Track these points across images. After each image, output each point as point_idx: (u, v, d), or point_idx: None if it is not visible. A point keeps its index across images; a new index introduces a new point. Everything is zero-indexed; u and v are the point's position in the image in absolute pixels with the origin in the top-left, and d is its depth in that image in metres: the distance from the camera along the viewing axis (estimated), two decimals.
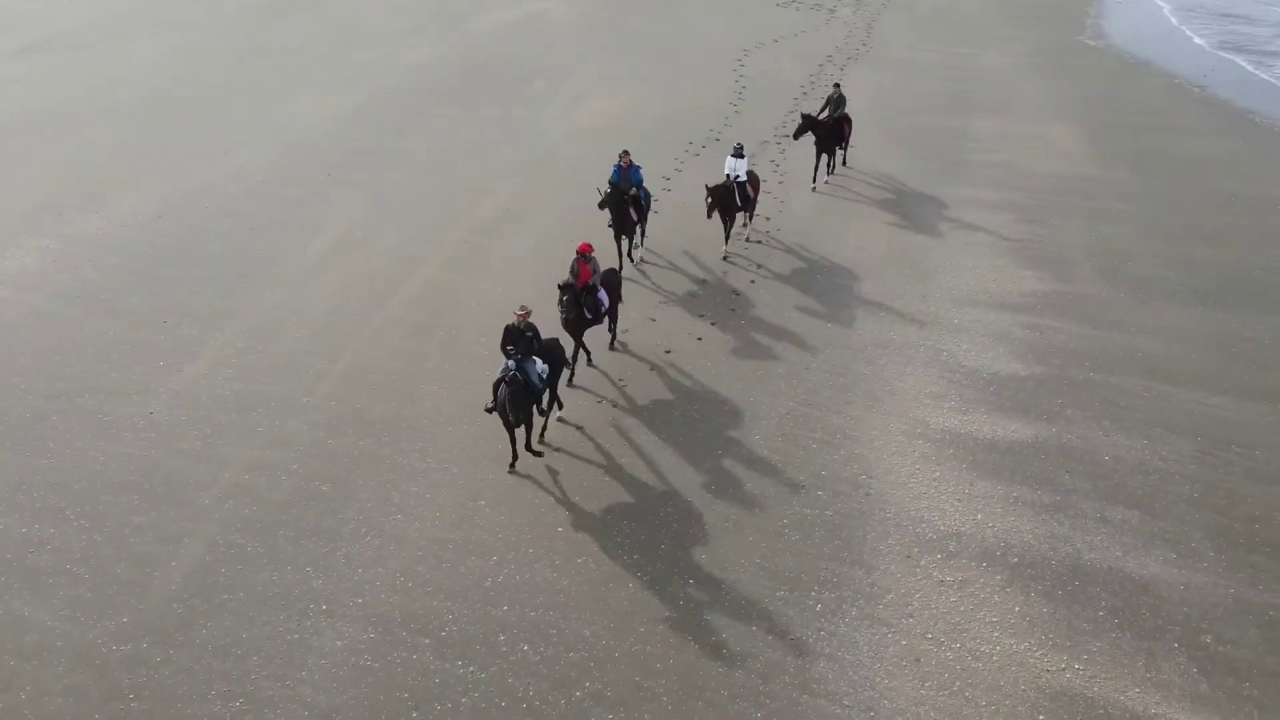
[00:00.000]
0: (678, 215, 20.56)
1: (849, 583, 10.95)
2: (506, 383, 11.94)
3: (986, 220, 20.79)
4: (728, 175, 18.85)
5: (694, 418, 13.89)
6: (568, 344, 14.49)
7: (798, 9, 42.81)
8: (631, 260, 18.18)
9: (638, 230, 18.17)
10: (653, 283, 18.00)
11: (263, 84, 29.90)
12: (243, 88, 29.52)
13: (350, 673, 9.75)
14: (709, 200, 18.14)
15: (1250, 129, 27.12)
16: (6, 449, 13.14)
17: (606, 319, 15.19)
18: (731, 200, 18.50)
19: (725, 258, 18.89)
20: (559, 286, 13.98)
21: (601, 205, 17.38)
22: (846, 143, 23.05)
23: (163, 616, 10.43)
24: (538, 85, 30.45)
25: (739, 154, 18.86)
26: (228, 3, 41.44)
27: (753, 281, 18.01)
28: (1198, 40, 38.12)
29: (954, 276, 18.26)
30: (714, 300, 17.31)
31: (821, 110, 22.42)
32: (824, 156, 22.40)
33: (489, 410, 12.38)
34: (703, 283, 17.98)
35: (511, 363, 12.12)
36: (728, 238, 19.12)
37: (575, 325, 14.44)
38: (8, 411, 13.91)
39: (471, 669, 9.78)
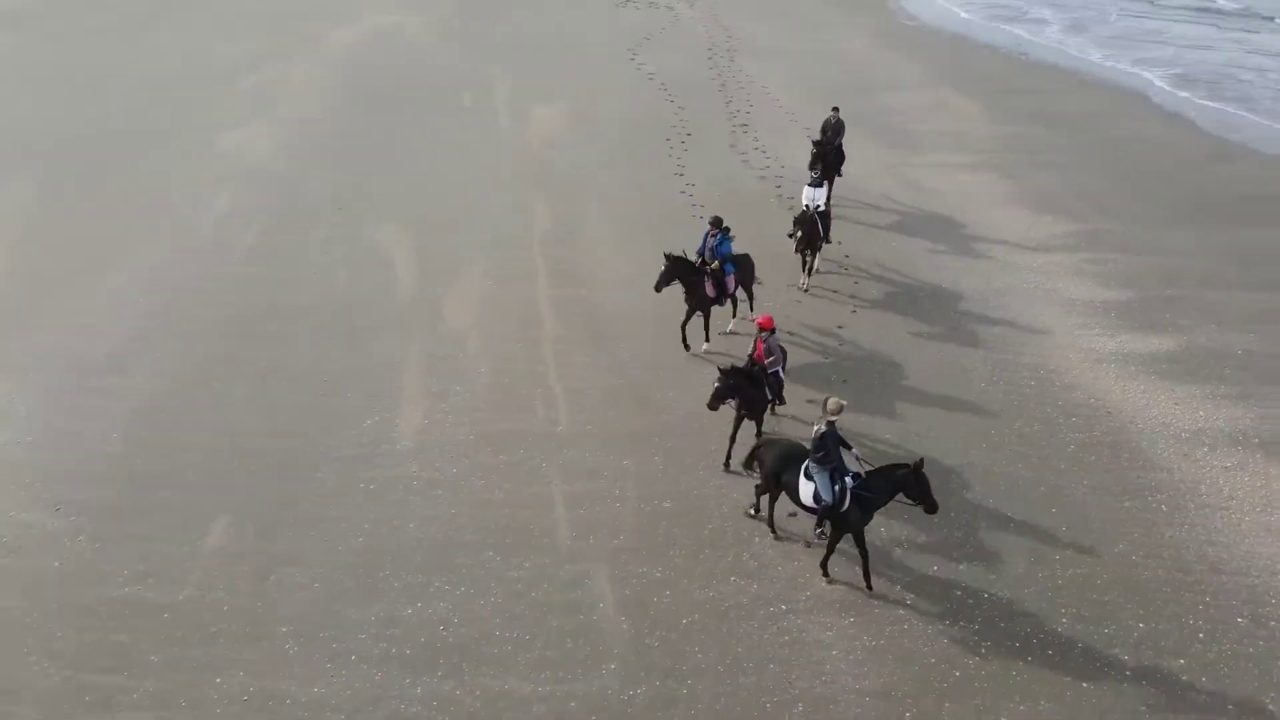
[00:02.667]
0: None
1: (1159, 485, 12.81)
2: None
3: (975, 181, 23.46)
4: (807, 205, 18.26)
5: (929, 432, 13.86)
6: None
7: (637, 8, 44.29)
8: (706, 338, 15.93)
9: (723, 304, 16.20)
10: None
11: (166, 127, 26.68)
12: (151, 136, 26.14)
13: None
14: (797, 233, 17.61)
15: (1088, 85, 32.42)
16: (313, 538, 11.73)
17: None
18: (815, 231, 17.84)
19: (806, 289, 17.95)
20: (721, 370, 12.83)
21: (660, 275, 15.51)
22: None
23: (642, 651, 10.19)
24: (465, 97, 29.69)
25: (817, 183, 18.63)
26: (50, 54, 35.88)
27: (854, 311, 17.18)
28: (965, 15, 44.01)
29: (997, 231, 20.62)
30: (827, 345, 16.20)
31: (822, 136, 21.62)
32: (825, 184, 20.83)
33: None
34: (806, 331, 16.58)
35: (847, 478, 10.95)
36: (812, 271, 18.17)
37: (757, 407, 13.25)
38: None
39: None
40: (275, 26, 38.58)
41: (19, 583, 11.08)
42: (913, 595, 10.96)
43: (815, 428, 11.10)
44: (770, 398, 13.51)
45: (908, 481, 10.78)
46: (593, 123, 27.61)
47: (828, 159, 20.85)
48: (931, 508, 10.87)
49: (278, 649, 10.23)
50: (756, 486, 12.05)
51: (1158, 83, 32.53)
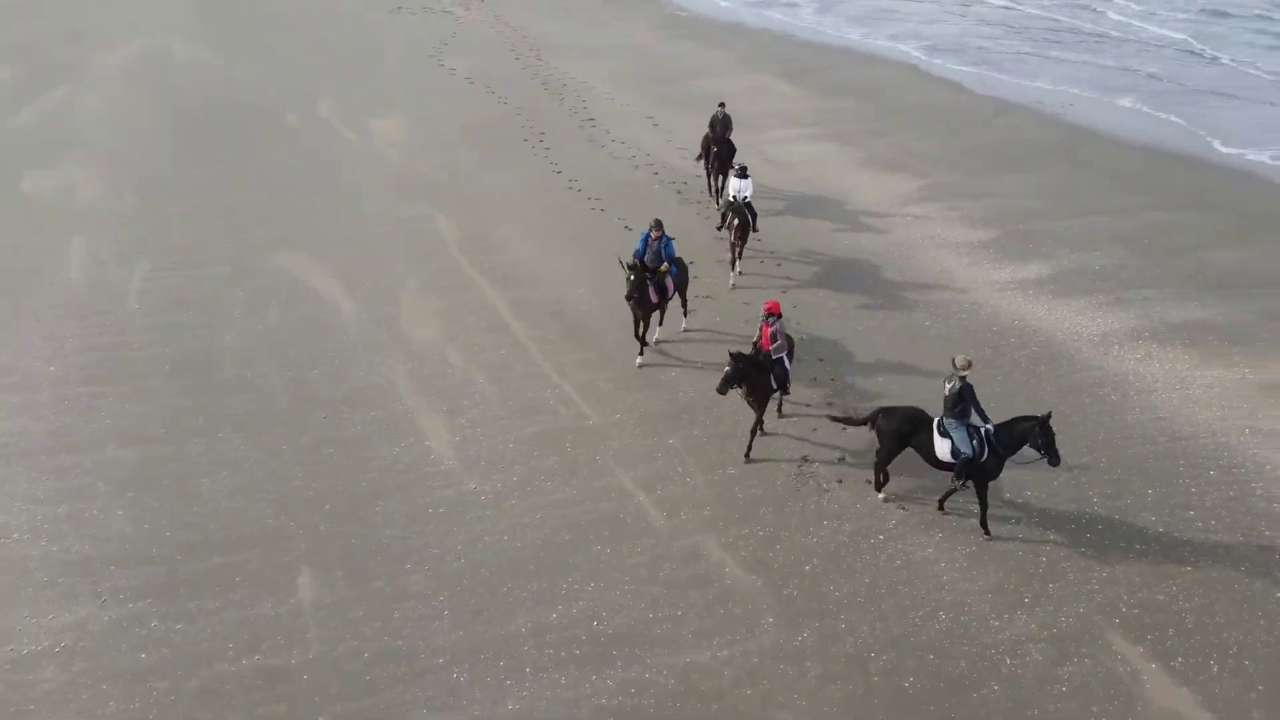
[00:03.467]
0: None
1: (1101, 380, 15.14)
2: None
3: (822, 150, 25.63)
4: (734, 196, 18.56)
5: (909, 380, 14.99)
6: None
7: (413, 13, 43.26)
8: (647, 343, 15.72)
9: (661, 310, 16.01)
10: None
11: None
12: None
13: None
14: (733, 222, 17.84)
15: (863, 59, 36.08)
16: (410, 570, 11.18)
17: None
18: (746, 221, 18.15)
19: (734, 287, 18.13)
20: (730, 355, 12.82)
21: (630, 285, 15.18)
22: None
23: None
24: (289, 116, 28.01)
25: (743, 174, 18.85)
26: None
27: (784, 291, 17.63)
28: (724, 3, 47.26)
29: (864, 194, 22.79)
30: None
31: (714, 130, 21.61)
32: (720, 178, 21.42)
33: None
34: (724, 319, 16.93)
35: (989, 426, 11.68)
36: (737, 261, 18.34)
37: (762, 394, 13.22)
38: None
39: None
40: (18, 54, 34.16)
41: (114, 687, 9.82)
42: (974, 507, 12.33)
43: (948, 385, 11.86)
44: (775, 387, 13.43)
45: (1033, 433, 11.55)
46: (438, 129, 27.17)
47: (721, 153, 21.46)
48: (1055, 459, 11.58)
49: (448, 680, 9.90)
50: (877, 464, 12.48)
51: (915, 53, 36.94)
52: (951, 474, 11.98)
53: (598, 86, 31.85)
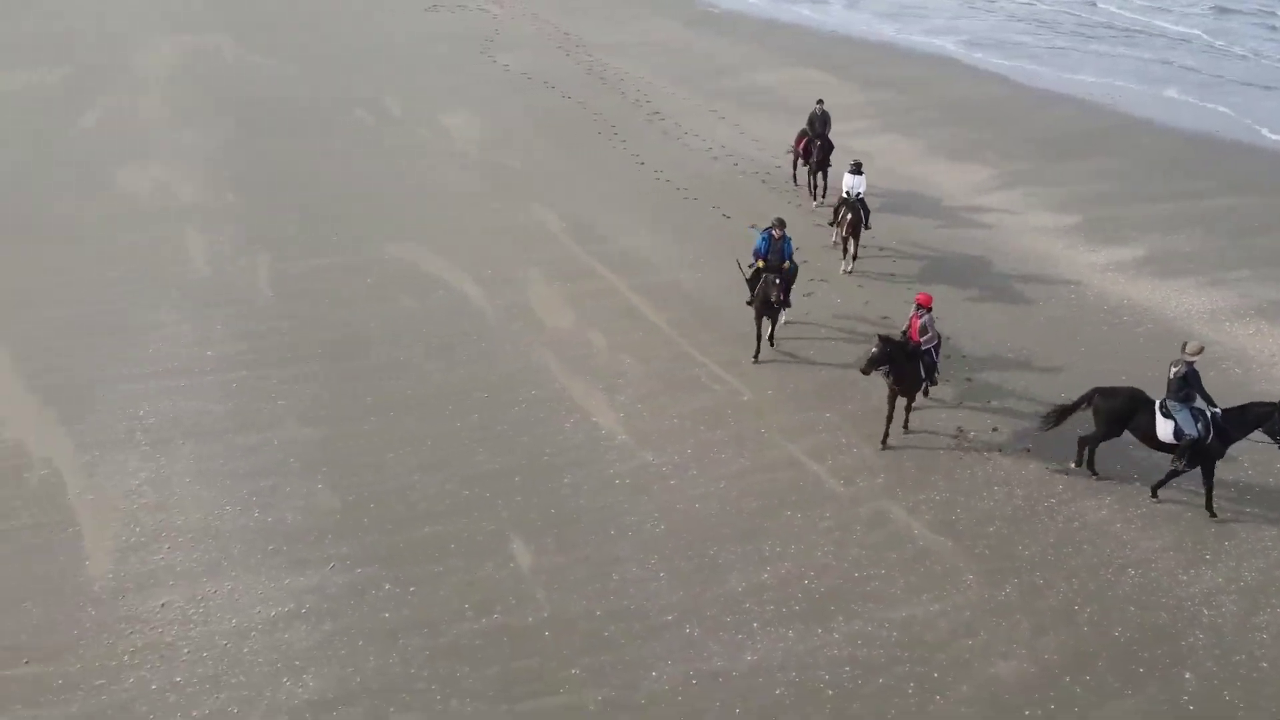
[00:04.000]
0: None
1: (1222, 356, 15.52)
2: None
3: (890, 141, 26.16)
4: (847, 192, 18.80)
5: (1048, 369, 15.58)
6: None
7: (451, 12, 43.62)
8: (771, 344, 15.96)
9: (783, 310, 16.09)
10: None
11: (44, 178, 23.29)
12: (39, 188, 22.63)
13: None
14: (846, 216, 18.31)
15: (901, 55, 36.64)
16: (615, 537, 11.65)
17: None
18: (859, 217, 18.54)
19: (850, 271, 18.72)
20: (879, 337, 13.25)
21: (752, 285, 15.55)
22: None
23: None
24: (360, 114, 28.27)
25: (857, 170, 19.02)
26: None
27: (892, 279, 18.22)
28: (754, 0, 48.12)
29: (942, 184, 23.42)
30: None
31: (813, 128, 21.90)
32: (821, 174, 21.96)
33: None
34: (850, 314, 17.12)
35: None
36: (856, 255, 18.76)
37: (911, 385, 13.59)
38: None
39: None
40: (61, 55, 34.21)
41: (368, 644, 10.23)
42: (1135, 476, 13.03)
43: (1174, 370, 12.25)
44: (924, 376, 13.67)
45: (1268, 418, 11.97)
46: (510, 124, 27.55)
47: (822, 149, 21.65)
48: None
49: (682, 635, 10.39)
50: (1081, 438, 12.90)
51: (952, 48, 37.81)
52: (1172, 455, 12.27)
53: (653, 81, 32.32)
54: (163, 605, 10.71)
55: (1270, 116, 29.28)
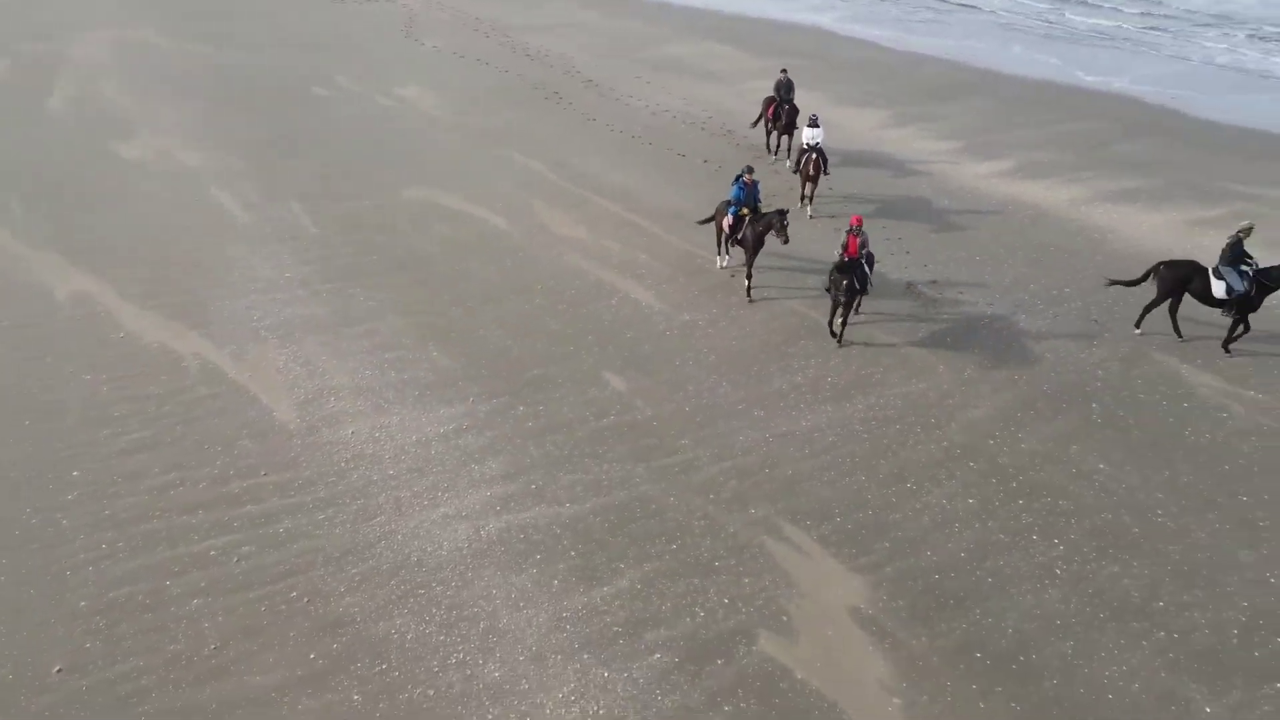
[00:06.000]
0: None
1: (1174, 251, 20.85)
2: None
3: (810, 98, 30.57)
4: (807, 143, 21.39)
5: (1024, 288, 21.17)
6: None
7: (358, 3, 45.66)
8: (749, 295, 17.73)
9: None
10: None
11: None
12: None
13: None
14: (809, 166, 20.89)
15: (782, 28, 41.68)
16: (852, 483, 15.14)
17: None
18: (819, 164, 21.13)
19: (811, 216, 21.25)
20: (836, 267, 15.56)
21: (709, 221, 18.35)
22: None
23: None
24: (318, 90, 30.64)
25: (814, 123, 21.58)
26: None
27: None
28: None
29: (895, 129, 28.11)
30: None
31: (779, 93, 24.27)
32: (786, 136, 24.33)
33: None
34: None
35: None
36: (811, 199, 21.44)
37: (849, 296, 15.71)
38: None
39: None
40: None
41: (525, 441, 13.42)
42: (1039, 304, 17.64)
43: (1231, 238, 15.77)
44: (859, 287, 15.85)
45: None
46: (464, 94, 30.67)
47: (788, 112, 24.10)
48: None
49: (752, 416, 14.17)
50: (1147, 305, 16.22)
51: (829, 22, 43.04)
52: (1222, 309, 15.88)
53: (577, 56, 35.95)
54: (352, 433, 13.67)
55: (1084, 64, 35.85)
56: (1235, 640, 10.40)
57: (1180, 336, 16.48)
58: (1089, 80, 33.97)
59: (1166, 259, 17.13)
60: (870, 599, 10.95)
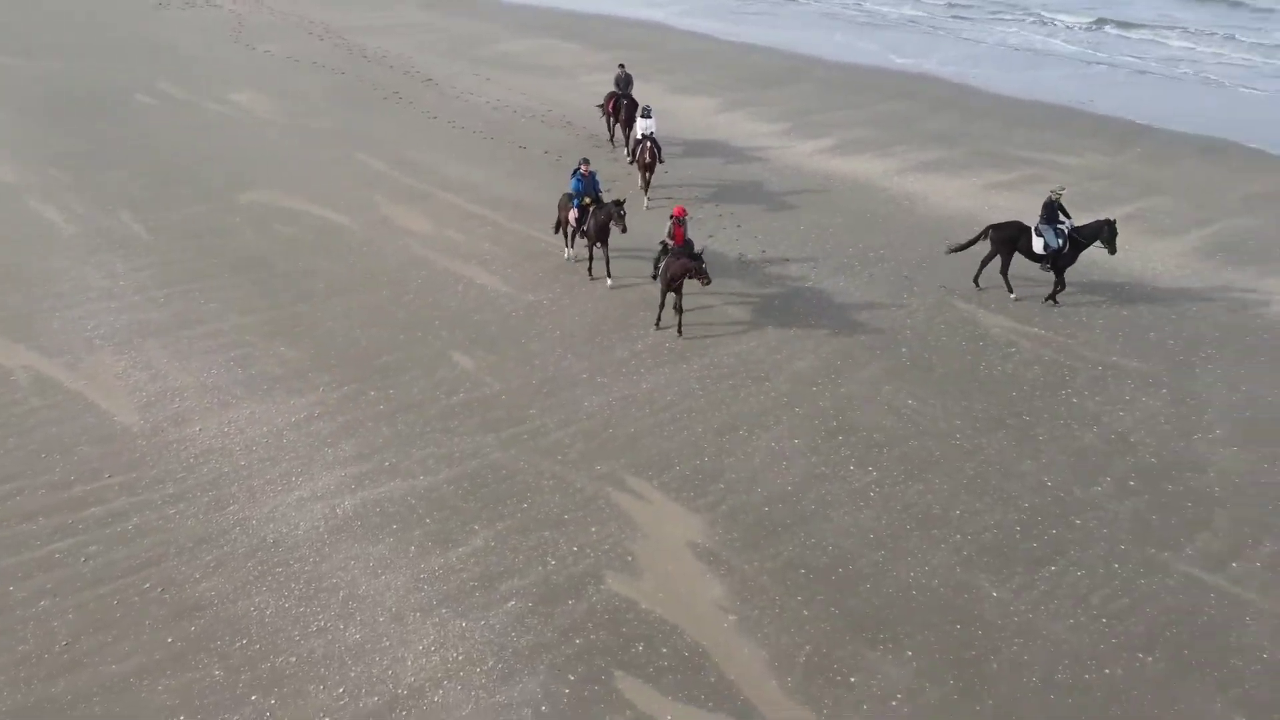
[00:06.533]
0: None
1: (978, 216, 22.62)
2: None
3: (661, 82, 31.59)
4: (642, 133, 22.11)
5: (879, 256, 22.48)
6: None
7: (181, 9, 43.98)
8: (609, 276, 18.16)
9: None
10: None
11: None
12: None
13: None
14: (645, 156, 21.42)
15: (634, 21, 42.75)
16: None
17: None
18: (654, 154, 21.68)
19: (648, 207, 21.62)
20: (669, 254, 16.25)
21: (581, 219, 17.95)
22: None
23: None
24: (141, 99, 29.50)
25: (647, 114, 22.44)
26: None
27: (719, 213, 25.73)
28: None
29: (725, 114, 29.36)
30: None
31: (619, 87, 25.04)
32: (626, 128, 24.82)
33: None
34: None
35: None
36: (648, 188, 22.02)
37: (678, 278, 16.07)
38: None
39: None
40: None
41: (378, 423, 13.80)
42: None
43: (1045, 199, 17.48)
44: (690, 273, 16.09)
45: (1103, 230, 16.95)
46: (301, 98, 30.42)
47: (627, 105, 24.69)
48: (1113, 250, 17.05)
49: (596, 383, 14.99)
50: (983, 260, 17.83)
51: (662, 16, 44.48)
52: (1041, 264, 17.39)
53: (414, 56, 36.05)
54: (199, 430, 13.71)
55: (896, 48, 38.61)
56: (1018, 535, 11.94)
57: (1011, 291, 17.86)
58: (900, 63, 36.66)
59: (994, 222, 18.61)
60: (707, 534, 11.95)
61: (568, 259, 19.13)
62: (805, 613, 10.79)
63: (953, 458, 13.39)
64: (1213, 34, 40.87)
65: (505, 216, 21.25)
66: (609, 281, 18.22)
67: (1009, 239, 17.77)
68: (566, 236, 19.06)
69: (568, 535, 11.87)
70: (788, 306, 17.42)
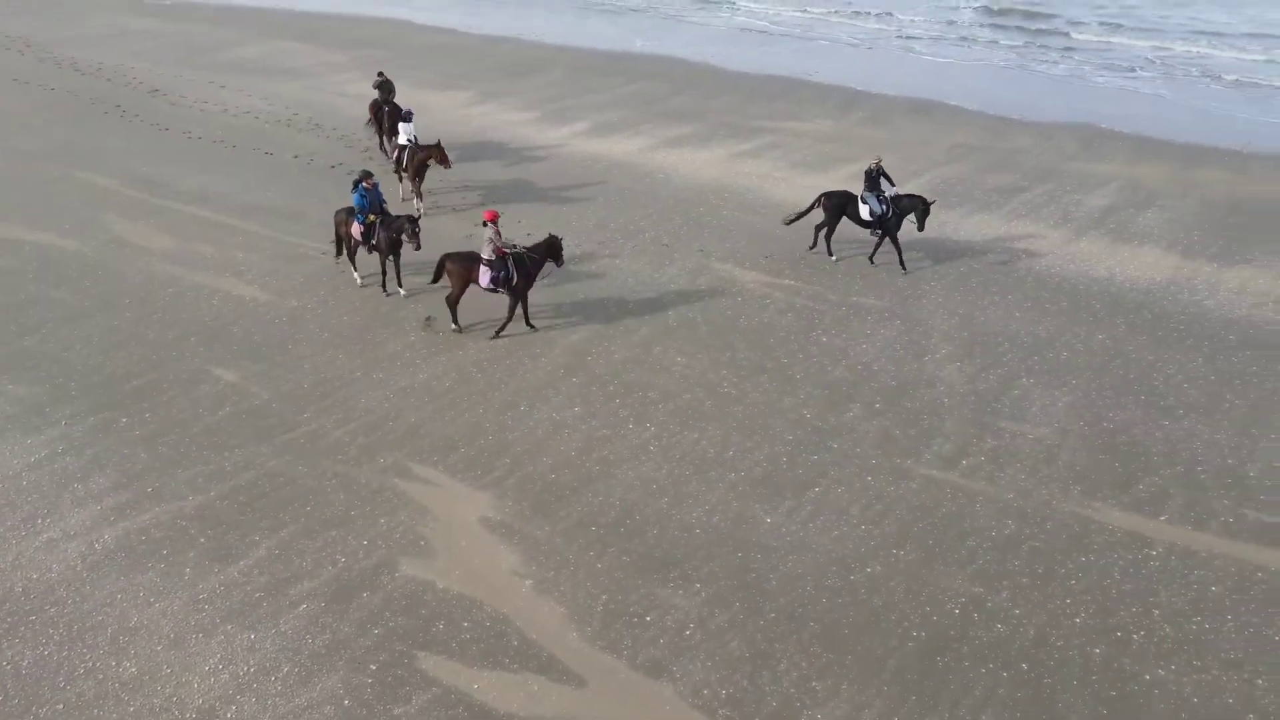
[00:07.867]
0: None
1: (775, 195, 23.45)
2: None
3: (410, 79, 30.62)
4: (406, 140, 21.66)
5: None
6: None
7: None
8: (400, 287, 17.51)
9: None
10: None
11: None
12: None
13: None
14: (420, 158, 20.72)
15: (374, 19, 41.47)
16: None
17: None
18: (420, 159, 20.93)
19: (421, 214, 20.19)
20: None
21: (367, 237, 17.13)
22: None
23: None
24: None
25: (408, 119, 22.04)
26: None
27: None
28: None
29: (480, 105, 28.88)
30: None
31: (381, 93, 24.02)
32: (391, 136, 23.48)
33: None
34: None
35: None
36: (420, 194, 21.25)
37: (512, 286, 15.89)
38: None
39: None
40: None
41: (134, 450, 12.92)
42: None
43: (866, 167, 18.50)
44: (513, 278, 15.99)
45: (917, 208, 18.07)
46: (7, 115, 27.38)
47: (390, 113, 23.58)
48: (922, 228, 18.25)
49: (371, 379, 14.48)
50: (817, 226, 18.72)
51: (406, 13, 43.46)
52: (869, 229, 18.54)
53: (136, 67, 33.36)
54: None
55: (640, 33, 40.10)
56: (784, 465, 12.98)
57: (831, 255, 19.06)
58: (644, 47, 38.06)
59: (826, 190, 19.51)
60: (497, 507, 12.12)
61: (359, 284, 17.72)
62: (599, 565, 11.23)
63: (722, 404, 14.30)
64: (905, 12, 45.53)
65: (258, 224, 20.25)
66: (402, 292, 17.61)
67: (838, 205, 18.85)
68: (351, 256, 17.85)
69: (356, 531, 11.67)
70: (559, 285, 17.80)
